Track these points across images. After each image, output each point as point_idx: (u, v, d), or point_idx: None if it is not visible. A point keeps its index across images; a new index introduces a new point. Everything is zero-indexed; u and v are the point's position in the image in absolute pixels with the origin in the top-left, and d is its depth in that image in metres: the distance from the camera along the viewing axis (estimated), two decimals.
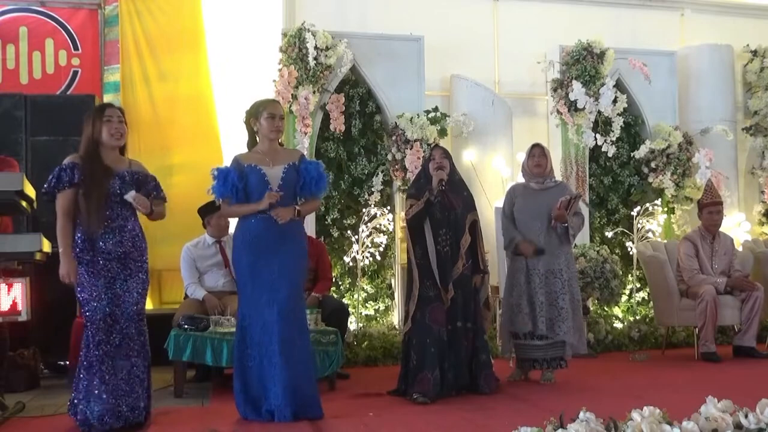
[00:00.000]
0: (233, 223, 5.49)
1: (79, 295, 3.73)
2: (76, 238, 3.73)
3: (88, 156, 3.75)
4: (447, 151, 4.84)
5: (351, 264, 6.53)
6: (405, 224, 4.75)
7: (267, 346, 3.89)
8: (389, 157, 6.67)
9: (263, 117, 4.03)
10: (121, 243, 3.73)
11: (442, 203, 4.61)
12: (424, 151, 6.57)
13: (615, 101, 7.20)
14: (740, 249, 6.82)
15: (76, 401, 3.69)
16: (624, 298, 7.07)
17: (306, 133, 6.34)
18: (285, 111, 6.34)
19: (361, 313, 6.46)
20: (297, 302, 3.99)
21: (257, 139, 4.11)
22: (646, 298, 7.14)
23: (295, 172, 4.03)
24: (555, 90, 7.21)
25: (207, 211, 5.50)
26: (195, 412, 4.29)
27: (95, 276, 3.69)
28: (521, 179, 5.30)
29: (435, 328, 4.48)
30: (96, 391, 3.63)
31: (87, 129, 3.80)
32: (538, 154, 5.12)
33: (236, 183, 3.94)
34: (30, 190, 4.04)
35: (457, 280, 4.56)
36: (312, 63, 6.39)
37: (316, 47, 6.40)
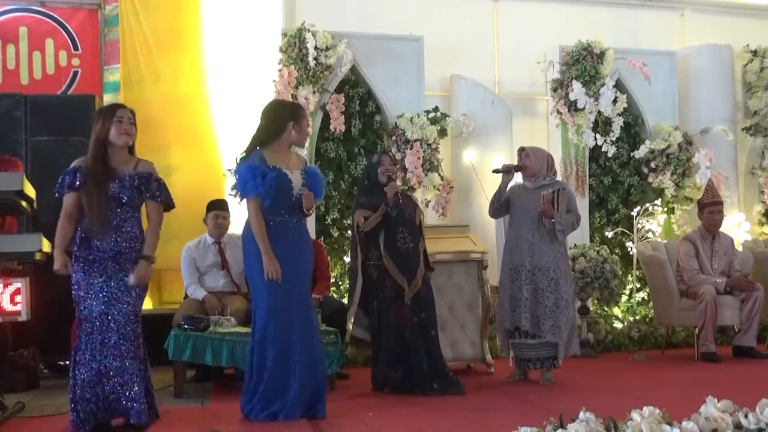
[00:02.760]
0: (233, 224, 5.54)
1: (75, 294, 3.71)
2: (76, 236, 3.72)
3: (94, 157, 3.73)
4: (394, 157, 5.20)
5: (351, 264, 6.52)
6: (357, 232, 4.82)
7: (287, 345, 3.91)
8: None
9: (304, 122, 4.06)
10: (116, 242, 3.71)
11: (397, 206, 4.78)
12: (424, 151, 6.57)
13: (615, 101, 7.20)
14: (740, 249, 6.82)
15: (71, 401, 3.66)
16: (624, 298, 7.07)
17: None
18: None
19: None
20: (310, 303, 4.12)
21: (277, 138, 4.00)
22: (646, 298, 7.14)
23: (307, 177, 4.08)
24: (555, 90, 7.21)
25: (212, 206, 5.49)
26: (195, 412, 4.29)
27: (91, 275, 3.67)
28: (520, 179, 5.31)
29: (398, 327, 4.65)
30: (88, 391, 3.61)
31: (96, 128, 3.78)
32: (523, 156, 5.16)
33: (273, 183, 3.88)
34: (30, 190, 4.04)
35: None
36: (312, 63, 6.39)
37: (316, 47, 6.40)
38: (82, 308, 3.69)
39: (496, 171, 5.17)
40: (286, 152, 4.06)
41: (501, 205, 5.15)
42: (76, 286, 3.71)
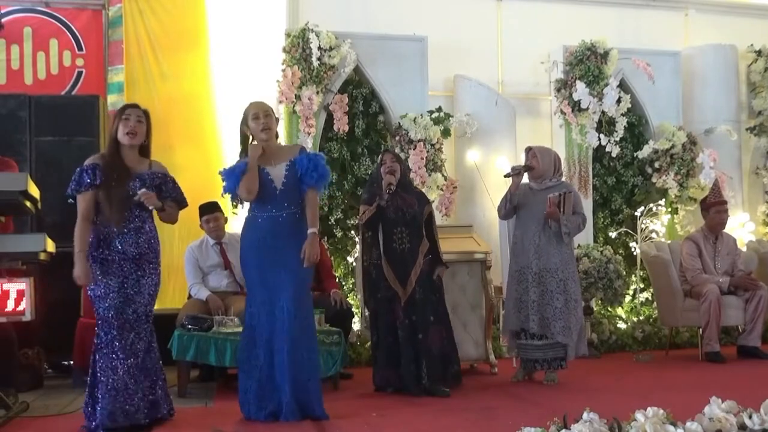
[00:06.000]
0: (235, 224, 5.55)
1: (91, 293, 3.73)
2: (92, 237, 3.73)
3: (110, 156, 3.77)
4: (398, 155, 5.10)
5: (354, 264, 6.53)
6: (360, 229, 4.92)
7: (275, 345, 3.91)
8: None
9: (250, 119, 4.05)
10: (137, 244, 3.75)
11: (395, 204, 4.76)
12: (427, 152, 6.57)
13: (619, 101, 7.18)
14: (744, 249, 6.81)
15: (90, 401, 3.70)
16: (628, 298, 7.06)
17: (309, 134, 6.35)
18: (288, 111, 6.37)
19: (363, 313, 6.46)
20: (304, 302, 4.00)
21: (248, 145, 4.11)
22: (650, 298, 7.13)
23: (292, 167, 4.02)
24: (559, 90, 7.20)
25: (202, 211, 5.50)
26: (199, 412, 4.30)
27: (108, 275, 3.69)
28: (525, 180, 5.30)
29: (393, 326, 4.68)
30: (108, 391, 3.63)
31: (110, 128, 3.85)
32: (530, 156, 5.14)
33: (240, 179, 3.96)
34: (34, 190, 4.05)
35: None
36: (315, 63, 6.39)
37: (319, 47, 6.40)
38: (98, 308, 3.71)
39: (507, 176, 5.12)
40: (270, 148, 4.05)
41: (512, 207, 5.14)
42: (93, 286, 3.71)
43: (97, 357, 3.69)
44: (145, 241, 3.79)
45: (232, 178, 3.99)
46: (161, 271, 3.91)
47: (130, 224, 3.75)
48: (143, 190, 3.73)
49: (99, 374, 3.67)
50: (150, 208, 3.77)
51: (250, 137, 4.09)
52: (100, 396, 3.65)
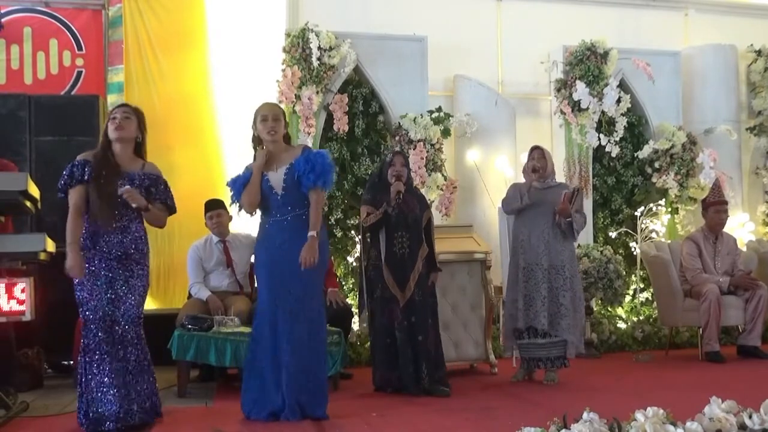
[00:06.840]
0: (237, 224, 5.55)
1: (78, 294, 3.71)
2: (80, 236, 3.72)
3: (101, 153, 3.78)
4: (407, 158, 5.08)
5: (354, 264, 6.53)
6: (361, 229, 4.93)
7: (277, 345, 3.91)
8: None
9: (258, 121, 4.06)
10: (122, 243, 3.73)
11: (399, 208, 4.74)
12: (427, 152, 6.57)
13: (618, 101, 7.18)
14: (744, 249, 6.81)
15: (80, 404, 3.69)
16: (627, 298, 7.06)
17: (309, 134, 6.35)
18: (288, 111, 6.37)
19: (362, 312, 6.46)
20: (309, 302, 3.98)
21: (259, 147, 4.13)
22: (650, 298, 7.13)
23: (291, 171, 4.00)
24: (558, 90, 7.20)
25: (207, 207, 5.51)
26: (199, 412, 4.29)
27: (95, 275, 3.68)
28: (522, 179, 5.30)
29: (390, 327, 4.68)
30: (96, 393, 3.62)
31: (103, 130, 3.88)
32: (537, 156, 5.13)
33: (241, 189, 4.01)
34: (34, 190, 4.05)
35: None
36: (315, 63, 6.39)
37: (319, 47, 6.40)
38: (85, 310, 3.69)
39: (534, 171, 5.11)
40: (275, 151, 4.05)
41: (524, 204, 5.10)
42: (79, 287, 3.70)
43: (85, 360, 3.67)
44: (131, 241, 3.76)
45: (236, 189, 4.04)
46: (150, 272, 3.91)
47: (116, 223, 3.72)
48: (126, 186, 3.70)
49: (89, 377, 3.65)
50: (133, 206, 3.73)
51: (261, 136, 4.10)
52: (89, 399, 3.63)
